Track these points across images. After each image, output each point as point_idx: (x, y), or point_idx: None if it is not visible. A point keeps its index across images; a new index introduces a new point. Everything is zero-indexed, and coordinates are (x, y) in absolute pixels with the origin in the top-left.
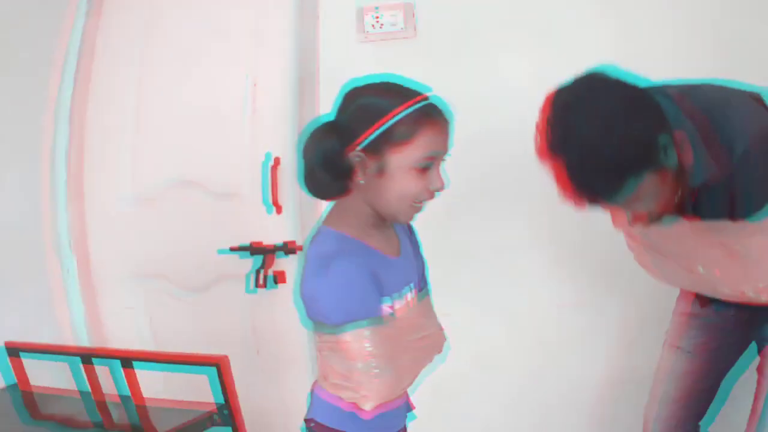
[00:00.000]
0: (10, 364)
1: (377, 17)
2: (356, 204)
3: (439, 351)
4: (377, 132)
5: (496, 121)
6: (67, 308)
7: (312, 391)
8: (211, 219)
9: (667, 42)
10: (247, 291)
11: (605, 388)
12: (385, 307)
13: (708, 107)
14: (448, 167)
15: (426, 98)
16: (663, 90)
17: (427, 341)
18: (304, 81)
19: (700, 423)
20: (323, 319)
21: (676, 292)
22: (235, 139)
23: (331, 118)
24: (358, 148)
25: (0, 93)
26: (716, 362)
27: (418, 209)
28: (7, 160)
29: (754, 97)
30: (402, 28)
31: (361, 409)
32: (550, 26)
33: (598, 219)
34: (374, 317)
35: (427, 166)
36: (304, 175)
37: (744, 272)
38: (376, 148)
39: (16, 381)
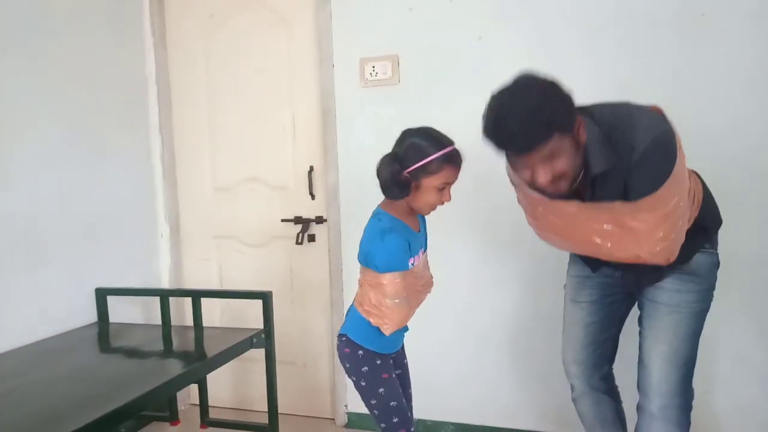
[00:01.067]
0: (97, 304)
1: (373, 67)
2: (400, 201)
3: (429, 291)
4: (418, 166)
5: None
6: (157, 261)
7: (348, 313)
8: (269, 202)
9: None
10: (296, 244)
11: (524, 321)
12: (410, 262)
13: (616, 116)
14: None
15: (453, 147)
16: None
17: (424, 284)
18: (326, 114)
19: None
20: (373, 267)
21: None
22: (284, 151)
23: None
24: (407, 172)
25: (110, 112)
26: (612, 314)
27: (433, 209)
28: (122, 157)
29: (655, 109)
30: (390, 76)
31: (383, 330)
32: (493, 77)
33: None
34: (404, 270)
35: (442, 189)
36: (382, 188)
37: (636, 240)
38: (417, 175)
39: (102, 318)
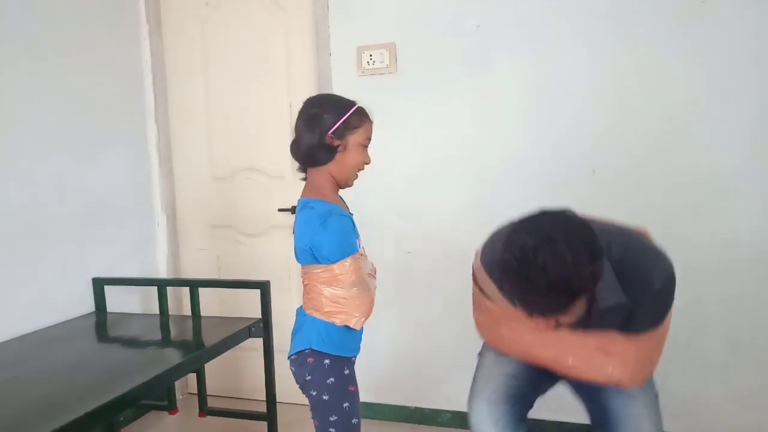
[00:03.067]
0: (95, 294)
1: (370, 55)
2: (322, 180)
3: (376, 278)
4: (341, 123)
5: (452, 131)
6: (154, 251)
7: (300, 328)
8: (266, 191)
9: (581, 74)
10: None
11: None
12: (357, 243)
13: (626, 250)
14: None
15: (358, 104)
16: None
17: (371, 270)
18: None
19: None
20: (324, 259)
21: None
22: (281, 141)
23: (311, 113)
24: (330, 133)
25: (105, 101)
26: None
27: (357, 177)
28: (118, 146)
29: (641, 233)
30: (387, 65)
31: (352, 325)
32: (491, 66)
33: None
34: (354, 253)
35: (366, 145)
36: (306, 155)
37: (622, 366)
38: (342, 134)
39: (100, 307)
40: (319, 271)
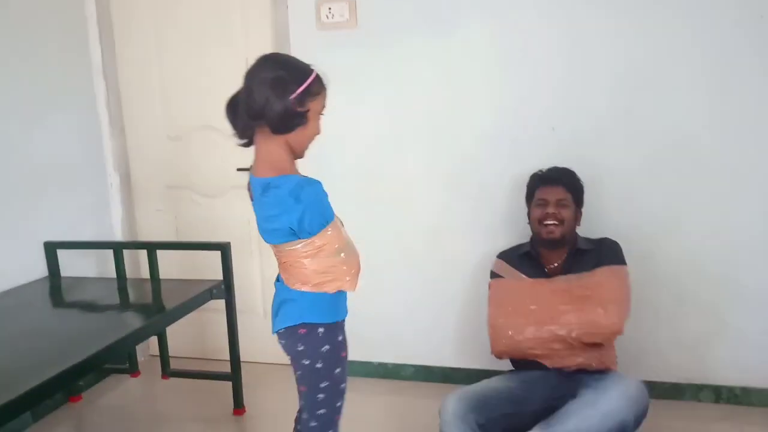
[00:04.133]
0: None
1: (330, 8)
2: (280, 151)
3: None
4: (304, 88)
5: (414, 89)
6: (109, 213)
7: (283, 307)
8: (224, 151)
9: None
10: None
11: (481, 267)
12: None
13: (591, 238)
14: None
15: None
16: None
17: (350, 238)
18: None
19: None
20: (305, 234)
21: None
22: None
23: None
24: (293, 98)
25: (50, 57)
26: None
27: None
28: (65, 104)
29: None
30: (347, 19)
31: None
32: (453, 22)
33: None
34: (332, 220)
35: (322, 114)
36: (278, 121)
37: (604, 297)
38: (303, 101)
39: (53, 272)
40: (299, 246)
